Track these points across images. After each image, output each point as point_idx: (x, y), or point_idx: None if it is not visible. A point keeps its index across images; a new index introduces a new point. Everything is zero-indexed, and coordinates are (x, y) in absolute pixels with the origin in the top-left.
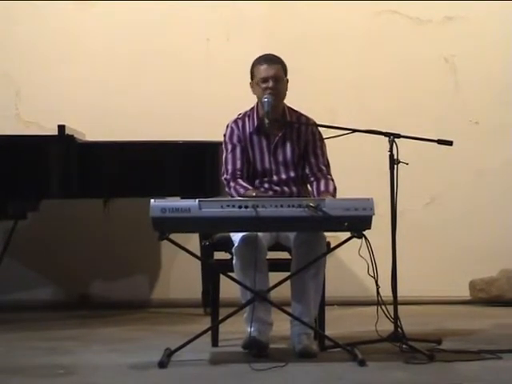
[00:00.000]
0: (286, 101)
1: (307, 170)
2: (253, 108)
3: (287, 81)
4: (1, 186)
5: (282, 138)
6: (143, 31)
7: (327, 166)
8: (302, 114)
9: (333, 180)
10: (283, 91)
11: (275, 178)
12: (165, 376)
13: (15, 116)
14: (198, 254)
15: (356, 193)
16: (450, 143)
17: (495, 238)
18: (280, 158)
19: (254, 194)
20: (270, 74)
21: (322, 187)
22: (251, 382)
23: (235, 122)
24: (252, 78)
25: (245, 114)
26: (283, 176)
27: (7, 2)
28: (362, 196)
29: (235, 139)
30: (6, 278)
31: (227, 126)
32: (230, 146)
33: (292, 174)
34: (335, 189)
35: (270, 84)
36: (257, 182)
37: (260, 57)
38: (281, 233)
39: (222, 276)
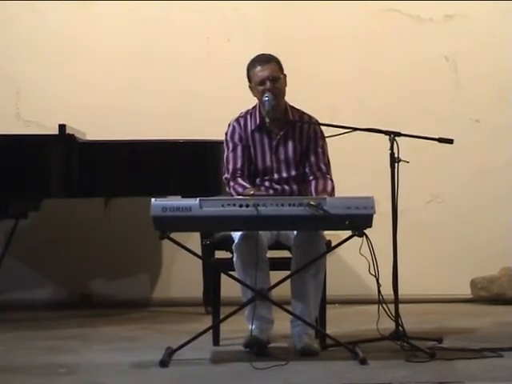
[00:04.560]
0: (287, 99)
1: (307, 169)
2: (255, 106)
3: (285, 76)
4: (1, 185)
5: (284, 136)
6: (143, 30)
7: (327, 165)
8: (304, 113)
9: (332, 180)
10: (282, 89)
11: (276, 176)
12: (166, 375)
13: (15, 115)
14: (199, 252)
15: (357, 191)
16: (450, 141)
17: (496, 236)
18: (282, 156)
19: (252, 193)
20: (266, 75)
21: (320, 186)
22: (252, 381)
23: (237, 120)
24: (250, 82)
25: (247, 112)
26: (284, 174)
27: (7, 2)
28: (363, 194)
29: (237, 138)
30: (7, 277)
31: (229, 125)
32: (231, 145)
33: (293, 173)
34: (333, 188)
35: (268, 85)
36: (258, 180)
37: (253, 59)
38: (281, 231)
39: (223, 275)
